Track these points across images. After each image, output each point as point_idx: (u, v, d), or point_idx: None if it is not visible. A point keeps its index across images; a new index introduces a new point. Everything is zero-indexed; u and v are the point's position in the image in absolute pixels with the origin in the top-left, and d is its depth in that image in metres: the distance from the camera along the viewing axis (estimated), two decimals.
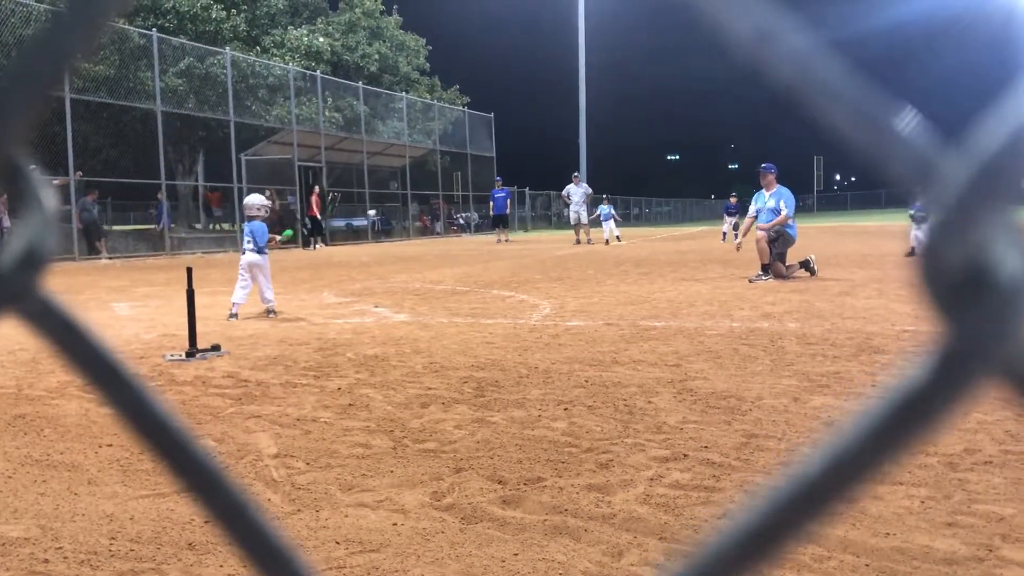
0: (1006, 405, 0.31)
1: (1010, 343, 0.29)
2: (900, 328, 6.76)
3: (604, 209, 26.42)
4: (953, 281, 0.28)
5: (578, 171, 28.49)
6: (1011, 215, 0.28)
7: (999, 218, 0.28)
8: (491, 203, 31.38)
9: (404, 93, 38.49)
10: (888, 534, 2.66)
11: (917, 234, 16.81)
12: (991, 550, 2.54)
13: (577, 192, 26.39)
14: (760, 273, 11.59)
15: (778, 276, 11.61)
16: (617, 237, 25.92)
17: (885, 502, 2.90)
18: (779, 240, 11.77)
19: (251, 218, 8.70)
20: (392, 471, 3.51)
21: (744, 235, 13.04)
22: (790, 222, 11.91)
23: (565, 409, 4.46)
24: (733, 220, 25.55)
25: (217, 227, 31.43)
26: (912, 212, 16.47)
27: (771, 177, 12.01)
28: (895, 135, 0.29)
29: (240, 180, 28.31)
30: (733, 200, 28.70)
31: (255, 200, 8.85)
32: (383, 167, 39.14)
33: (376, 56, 38.86)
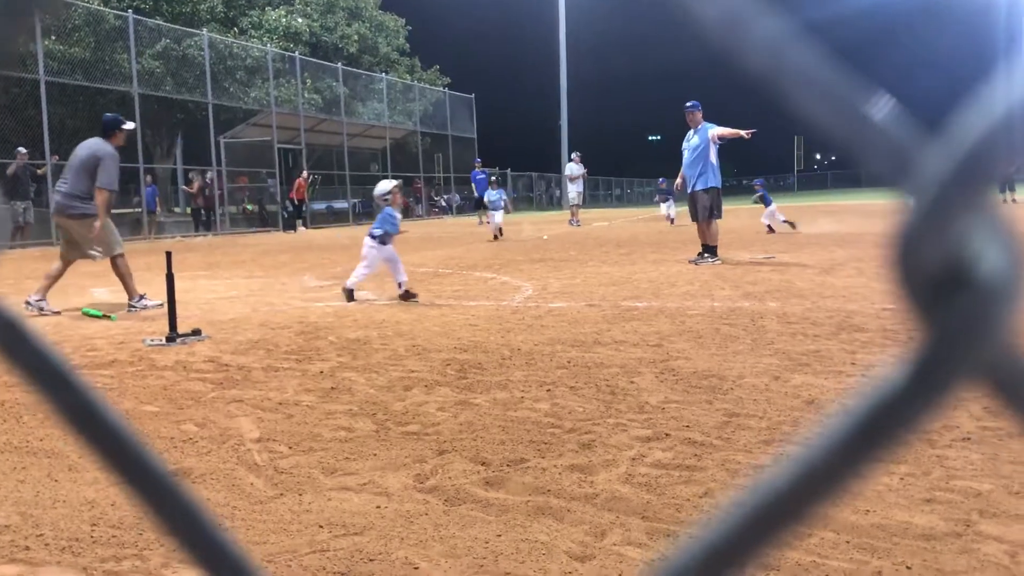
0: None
1: (989, 344, 0.27)
2: (880, 307, 6.81)
3: (494, 195, 20.44)
4: (930, 278, 0.27)
5: (575, 152, 27.57)
6: (991, 208, 0.27)
7: (978, 211, 0.27)
8: (473, 185, 31.29)
9: (384, 74, 38.25)
10: (868, 511, 2.69)
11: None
12: (969, 525, 2.57)
13: (578, 171, 26.16)
14: (704, 255, 11.49)
15: (700, 235, 11.63)
16: (500, 230, 20.14)
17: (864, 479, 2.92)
18: (704, 197, 11.61)
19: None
20: (375, 454, 3.50)
21: (681, 180, 12.50)
22: (714, 163, 11.65)
23: (548, 390, 4.47)
24: (669, 203, 23.91)
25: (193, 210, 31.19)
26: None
27: (697, 115, 11.76)
28: (872, 125, 0.28)
29: (219, 163, 28.11)
30: (663, 185, 26.64)
31: (380, 188, 8.66)
32: (363, 149, 38.95)
33: (355, 37, 38.59)
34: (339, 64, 34.69)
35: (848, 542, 2.48)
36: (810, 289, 8.12)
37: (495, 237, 19.52)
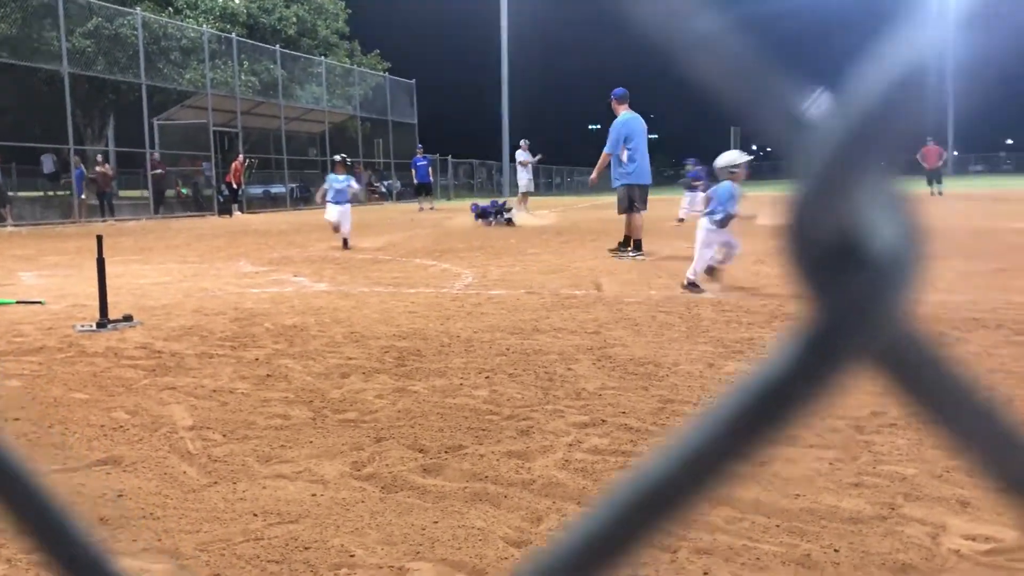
0: None
1: (882, 324, 0.26)
2: None
3: (339, 181, 13.33)
4: (822, 254, 0.26)
5: (523, 139, 26.60)
6: (887, 179, 0.25)
7: (873, 182, 0.25)
8: (413, 171, 31.02)
9: (323, 57, 37.74)
10: (798, 495, 2.75)
11: (688, 204, 15.52)
12: (894, 508, 2.64)
13: (525, 157, 25.86)
14: (630, 250, 11.07)
15: (628, 227, 11.15)
16: (345, 241, 13.07)
17: (795, 464, 2.99)
18: (619, 191, 11.23)
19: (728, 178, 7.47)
20: (311, 441, 3.47)
21: (597, 172, 11.77)
22: (625, 161, 11.01)
23: (486, 377, 4.47)
24: (491, 212, 19.05)
25: (124, 195, 30.45)
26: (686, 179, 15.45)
27: (616, 104, 11.21)
28: (765, 89, 0.26)
29: (152, 145, 27.51)
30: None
31: (727, 159, 7.55)
32: (301, 133, 38.44)
33: (294, 19, 37.96)
34: (277, 46, 34.13)
35: (778, 526, 2.53)
36: (745, 278, 8.25)
37: (344, 244, 13.04)
